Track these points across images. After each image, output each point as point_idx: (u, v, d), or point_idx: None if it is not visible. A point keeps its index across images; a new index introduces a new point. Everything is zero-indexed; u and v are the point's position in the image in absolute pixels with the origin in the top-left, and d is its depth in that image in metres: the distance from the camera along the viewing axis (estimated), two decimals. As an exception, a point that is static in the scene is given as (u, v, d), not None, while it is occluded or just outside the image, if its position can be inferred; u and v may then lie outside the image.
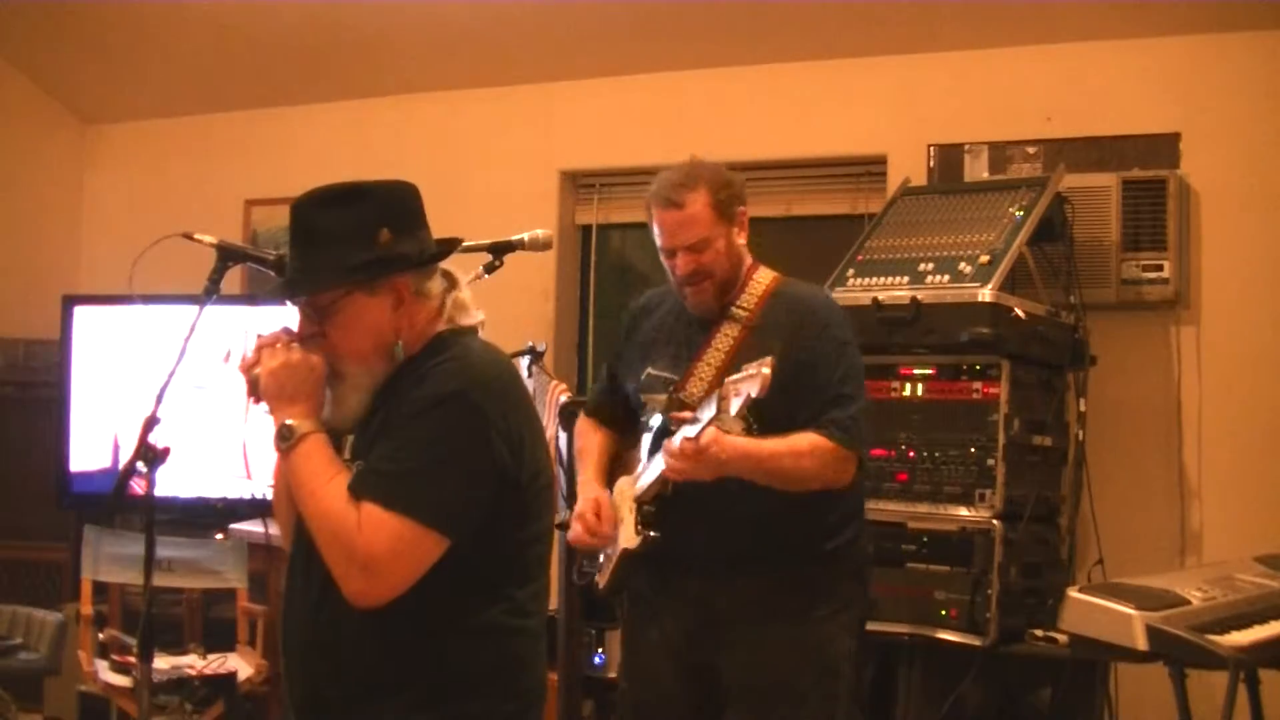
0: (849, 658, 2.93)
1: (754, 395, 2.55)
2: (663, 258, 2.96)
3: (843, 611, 2.92)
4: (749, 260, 3.00)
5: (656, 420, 2.91)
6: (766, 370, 2.55)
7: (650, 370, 2.99)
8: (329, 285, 2.02)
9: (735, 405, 2.57)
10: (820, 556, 2.90)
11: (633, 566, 2.92)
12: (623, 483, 2.98)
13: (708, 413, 2.64)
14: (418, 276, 2.06)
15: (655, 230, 2.94)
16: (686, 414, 2.74)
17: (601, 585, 3.00)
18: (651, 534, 2.85)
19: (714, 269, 2.90)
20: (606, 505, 2.95)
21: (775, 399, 2.61)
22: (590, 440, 3.13)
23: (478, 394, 1.97)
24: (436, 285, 2.09)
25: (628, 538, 2.89)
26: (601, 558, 3.01)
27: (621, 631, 3.10)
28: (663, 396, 2.91)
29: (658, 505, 2.86)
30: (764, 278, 2.97)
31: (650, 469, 2.86)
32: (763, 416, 2.72)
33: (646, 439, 2.95)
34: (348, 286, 2.01)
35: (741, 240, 2.96)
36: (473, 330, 2.13)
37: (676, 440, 2.69)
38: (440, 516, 1.92)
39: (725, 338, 2.91)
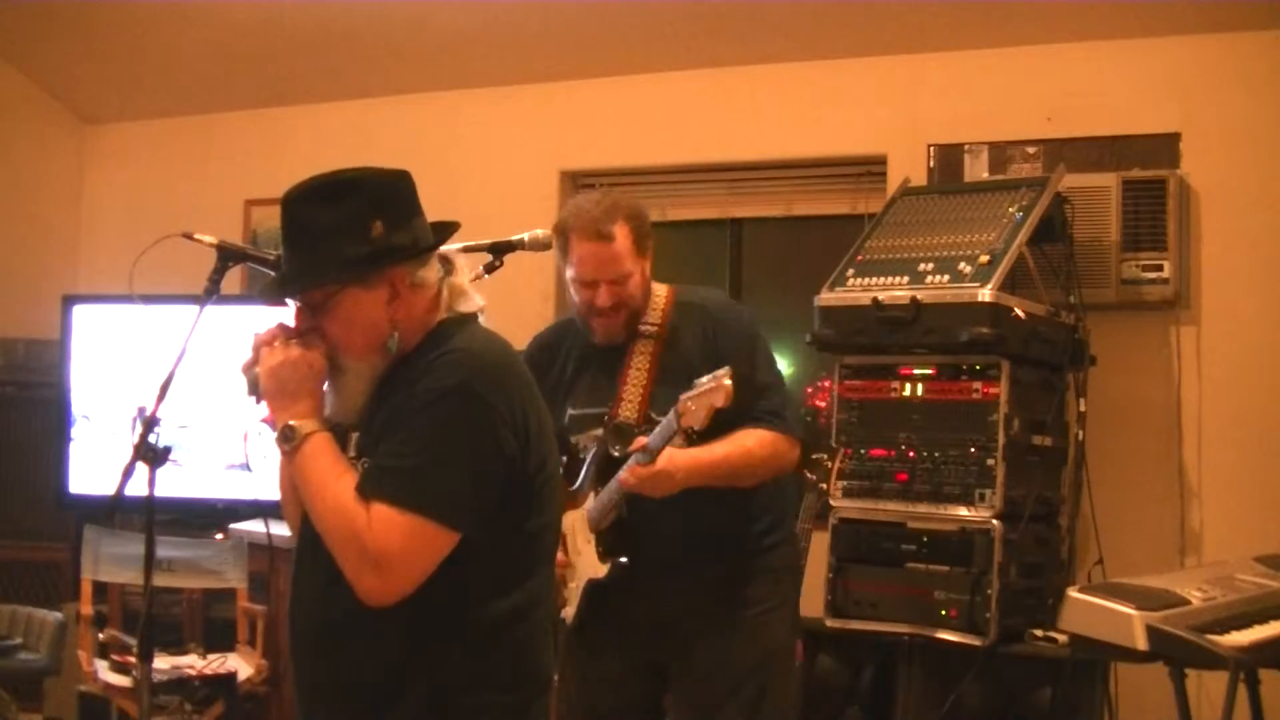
0: (787, 647, 3.08)
1: (719, 406, 2.64)
2: (576, 288, 2.95)
3: (781, 606, 3.04)
4: None
5: (591, 453, 2.98)
6: (728, 381, 2.63)
7: (571, 411, 3.02)
8: (322, 283, 1.99)
9: (701, 419, 2.66)
10: (757, 553, 3.00)
11: (598, 594, 2.98)
12: (572, 516, 3.00)
13: (664, 433, 2.74)
14: (413, 266, 2.03)
15: (574, 261, 2.93)
16: (641, 440, 2.80)
17: (569, 621, 3.05)
18: (621, 560, 2.92)
19: (631, 300, 2.94)
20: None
21: (692, 429, 2.70)
22: None
23: (481, 384, 1.95)
24: (433, 273, 2.06)
25: (593, 568, 2.95)
26: (564, 591, 3.06)
27: (565, 643, 3.12)
28: (597, 431, 2.95)
29: (614, 530, 2.92)
30: (661, 290, 3.04)
31: (602, 497, 2.92)
32: None
33: (589, 473, 2.99)
34: (341, 282, 1.99)
35: (649, 271, 3.01)
36: (473, 317, 2.10)
37: (630, 464, 2.78)
38: (451, 511, 1.91)
39: (643, 356, 2.96)
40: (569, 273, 2.96)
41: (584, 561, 2.98)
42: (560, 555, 2.95)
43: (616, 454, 2.84)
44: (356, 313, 2.00)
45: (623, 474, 2.80)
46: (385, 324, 2.01)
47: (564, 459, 3.01)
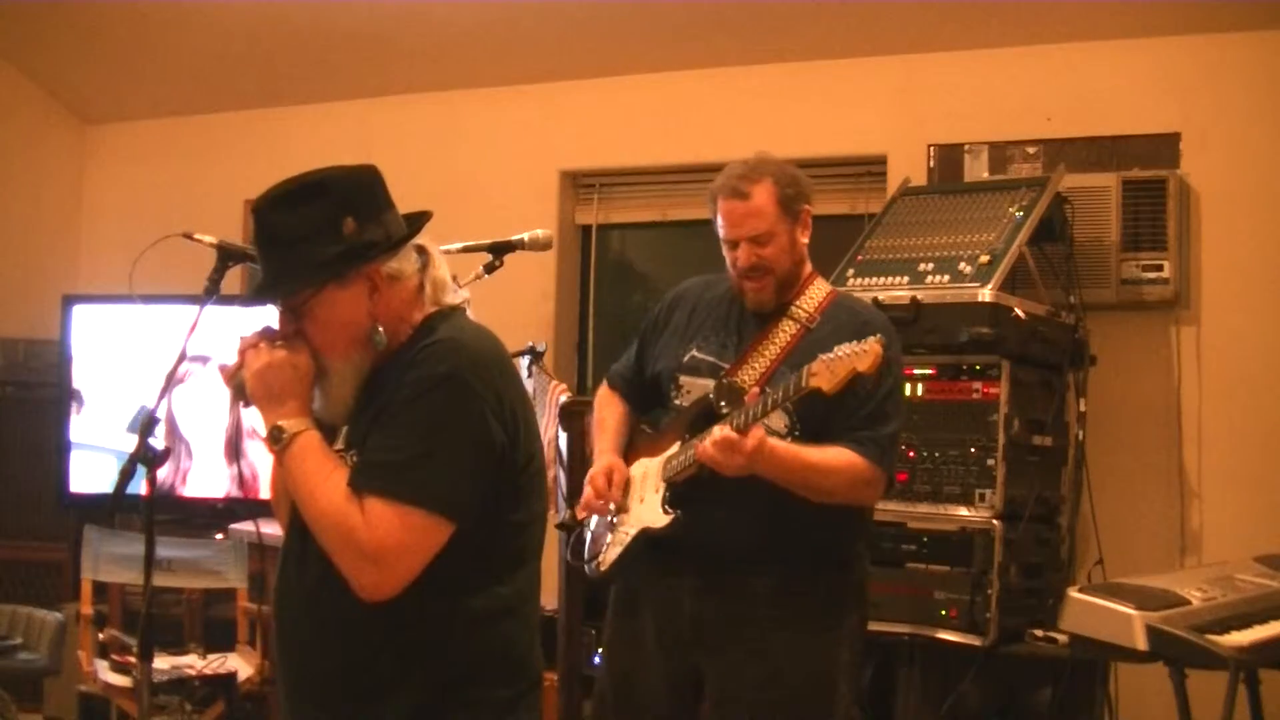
0: (846, 672, 2.88)
1: (863, 370, 2.51)
2: (724, 250, 2.91)
3: (844, 623, 2.88)
4: (809, 265, 2.97)
5: (692, 401, 2.86)
6: (879, 347, 2.51)
7: (695, 353, 2.93)
8: (301, 286, 2.00)
9: (836, 382, 2.51)
10: (829, 565, 2.86)
11: (644, 549, 2.85)
12: (646, 463, 2.92)
13: (781, 393, 2.60)
14: (388, 259, 2.03)
15: (719, 221, 2.90)
16: (755, 390, 2.69)
17: (603, 567, 2.93)
18: (680, 513, 2.78)
19: (775, 264, 2.86)
20: (621, 472, 2.91)
21: (819, 404, 2.59)
22: (611, 411, 3.08)
23: (470, 374, 1.96)
24: (410, 265, 2.06)
25: (652, 516, 2.83)
26: (608, 538, 2.94)
27: (608, 624, 3.03)
28: (709, 380, 2.85)
29: (688, 486, 2.80)
30: (823, 287, 2.95)
31: (687, 449, 2.79)
32: (802, 416, 2.71)
33: (681, 420, 2.88)
34: (319, 283, 1.99)
35: (804, 239, 2.92)
36: (460, 310, 2.11)
37: (717, 431, 2.63)
38: (445, 502, 1.92)
39: (783, 334, 2.87)
40: (720, 234, 2.92)
41: (644, 509, 2.85)
42: (603, 489, 2.86)
43: (723, 411, 2.69)
44: (336, 311, 2.01)
45: (700, 442, 2.66)
46: (366, 320, 2.02)
47: (670, 395, 2.93)
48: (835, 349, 2.55)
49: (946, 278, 3.70)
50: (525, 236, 3.26)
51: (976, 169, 4.40)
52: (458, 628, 1.98)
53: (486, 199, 5.04)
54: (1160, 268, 4.06)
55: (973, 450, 3.60)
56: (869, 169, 4.68)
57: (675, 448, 2.85)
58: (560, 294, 5.16)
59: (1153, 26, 4.19)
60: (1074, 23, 4.27)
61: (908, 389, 3.71)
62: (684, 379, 2.93)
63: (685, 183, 5.04)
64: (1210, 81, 4.16)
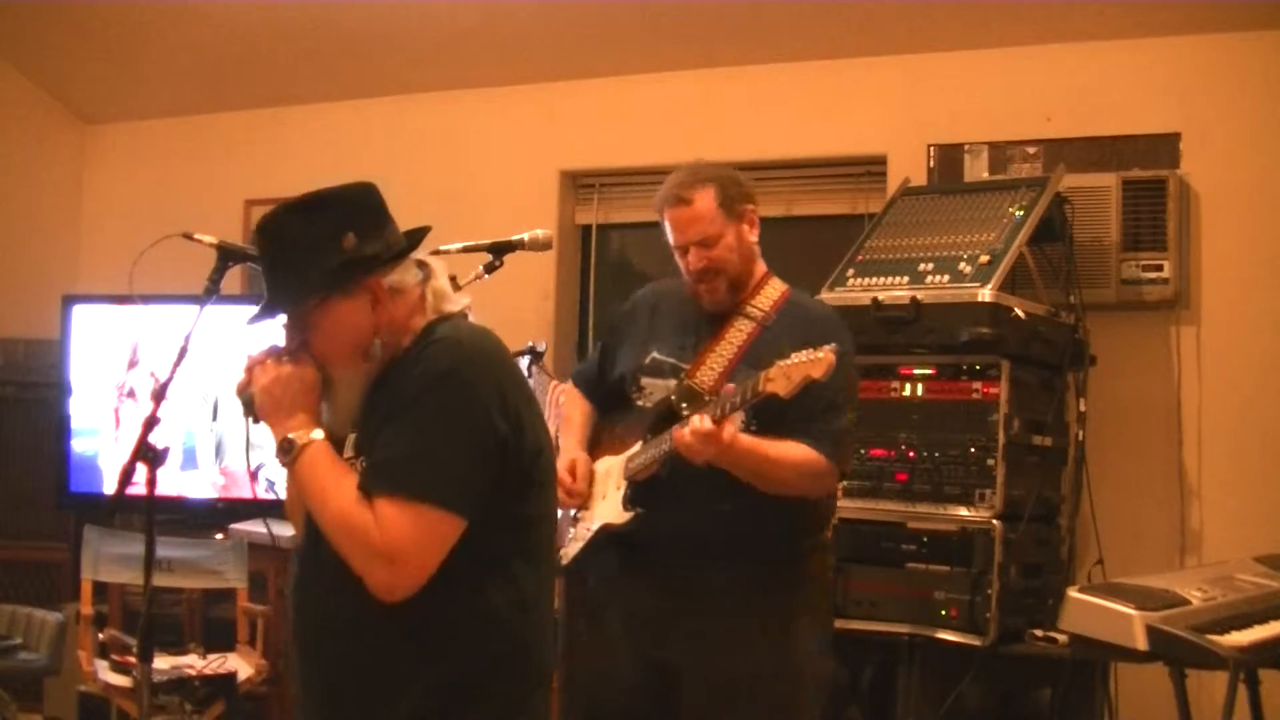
0: (813, 660, 2.96)
1: (816, 377, 2.59)
2: (676, 256, 3.01)
3: (809, 613, 2.96)
4: (762, 265, 3.05)
5: (653, 402, 2.94)
6: (832, 355, 2.59)
7: (655, 355, 3.02)
8: (303, 298, 2.04)
9: (790, 388, 2.60)
10: (794, 556, 2.95)
11: (606, 544, 2.94)
12: (608, 461, 3.01)
13: (740, 395, 2.67)
14: (389, 272, 2.07)
15: (667, 229, 2.99)
16: (731, 386, 2.75)
17: (565, 560, 3.01)
18: (640, 510, 2.89)
19: (724, 265, 2.95)
20: (583, 465, 3.02)
21: (775, 402, 2.65)
22: (577, 408, 3.18)
23: (470, 371, 1.99)
24: (412, 277, 2.10)
25: (613, 513, 2.92)
26: (570, 532, 3.03)
27: (572, 616, 3.11)
28: (669, 381, 2.94)
29: (648, 485, 2.89)
30: (777, 286, 3.03)
31: (649, 448, 2.89)
32: (758, 411, 2.78)
33: (643, 420, 2.96)
34: (321, 295, 2.03)
35: (752, 237, 3.01)
36: (461, 315, 2.14)
37: (696, 421, 2.70)
38: (452, 496, 1.94)
39: (738, 333, 2.95)
40: (670, 242, 3.02)
41: (606, 506, 2.95)
42: (569, 483, 2.94)
43: (684, 413, 2.80)
44: (340, 323, 2.05)
45: (679, 429, 2.74)
46: (369, 331, 2.06)
47: (632, 396, 3.02)
48: (792, 356, 2.63)
49: (946, 278, 3.70)
50: (525, 236, 3.26)
51: (976, 169, 4.40)
52: (470, 625, 2.00)
53: (486, 199, 5.04)
54: (1160, 268, 4.06)
55: (973, 450, 3.60)
56: (869, 169, 4.68)
57: (637, 447, 2.94)
58: (560, 294, 5.17)
59: (1153, 26, 4.19)
60: (1074, 23, 4.27)
61: (907, 389, 3.72)
62: (645, 380, 3.01)
63: (685, 183, 5.03)
64: (1210, 81, 4.16)
